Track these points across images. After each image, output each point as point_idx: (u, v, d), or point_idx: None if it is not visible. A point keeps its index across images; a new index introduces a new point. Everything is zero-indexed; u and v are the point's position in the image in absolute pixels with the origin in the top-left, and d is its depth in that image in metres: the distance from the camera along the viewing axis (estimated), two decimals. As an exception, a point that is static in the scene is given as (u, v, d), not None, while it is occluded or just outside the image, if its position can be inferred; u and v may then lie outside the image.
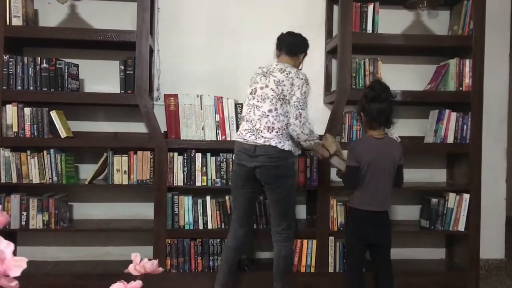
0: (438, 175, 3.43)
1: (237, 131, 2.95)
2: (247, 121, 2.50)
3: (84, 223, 3.11)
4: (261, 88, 2.48)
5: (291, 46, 2.58)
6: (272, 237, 2.54)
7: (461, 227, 3.10)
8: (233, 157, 2.59)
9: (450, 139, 3.11)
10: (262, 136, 2.42)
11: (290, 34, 2.64)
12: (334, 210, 3.05)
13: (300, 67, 2.63)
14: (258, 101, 2.47)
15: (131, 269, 1.03)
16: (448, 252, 3.43)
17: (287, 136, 2.46)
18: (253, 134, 2.45)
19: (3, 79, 2.84)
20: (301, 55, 2.63)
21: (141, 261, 1.06)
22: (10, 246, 0.63)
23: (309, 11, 3.33)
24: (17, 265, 0.64)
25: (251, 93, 2.53)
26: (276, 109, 2.43)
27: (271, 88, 2.45)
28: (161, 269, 1.08)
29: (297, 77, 2.45)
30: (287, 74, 2.46)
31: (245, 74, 3.26)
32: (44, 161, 2.89)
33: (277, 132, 2.42)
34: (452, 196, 3.11)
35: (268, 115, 2.43)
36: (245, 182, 2.50)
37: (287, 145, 2.44)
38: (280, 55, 2.60)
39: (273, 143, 2.40)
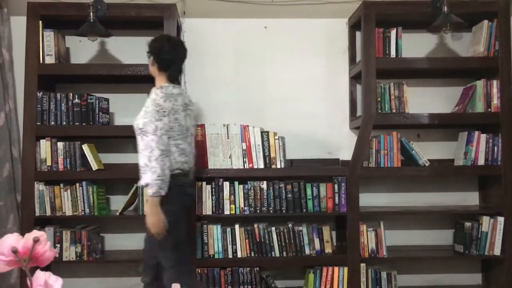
0: (470, 198, 3.36)
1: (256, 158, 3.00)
2: (189, 162, 2.52)
3: (116, 254, 3.15)
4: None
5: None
6: None
7: (497, 251, 3.02)
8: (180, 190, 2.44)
9: (481, 161, 3.06)
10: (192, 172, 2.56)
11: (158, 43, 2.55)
12: (364, 236, 3.01)
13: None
14: (191, 136, 2.56)
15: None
16: (484, 278, 3.32)
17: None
18: (193, 172, 2.56)
19: (37, 115, 2.94)
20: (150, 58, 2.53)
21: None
22: (59, 281, 0.66)
23: (332, 38, 3.37)
24: (64, 299, 0.67)
25: (188, 130, 2.50)
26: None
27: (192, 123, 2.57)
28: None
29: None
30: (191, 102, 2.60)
31: (270, 102, 3.32)
32: (77, 193, 2.95)
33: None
34: (486, 220, 3.04)
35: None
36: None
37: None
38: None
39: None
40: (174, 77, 2.53)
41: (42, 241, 0.65)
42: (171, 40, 2.57)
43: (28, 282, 0.64)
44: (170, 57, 2.48)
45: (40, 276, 0.65)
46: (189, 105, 2.56)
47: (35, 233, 0.65)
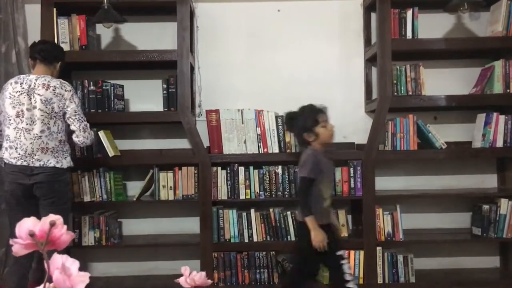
0: (489, 181, 3.31)
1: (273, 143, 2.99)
2: (15, 148, 2.43)
3: (133, 239, 3.20)
4: (28, 109, 2.43)
5: (45, 52, 2.53)
6: None
7: (516, 233, 2.99)
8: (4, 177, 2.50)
9: (500, 143, 3.01)
10: (37, 160, 2.43)
11: (42, 41, 2.64)
12: (380, 219, 3.00)
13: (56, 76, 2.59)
14: (27, 124, 2.43)
15: (182, 281, 1.06)
16: (502, 260, 3.29)
17: (63, 152, 2.50)
18: (26, 161, 2.42)
19: (53, 103, 2.97)
20: (57, 63, 2.59)
21: (190, 274, 1.09)
22: (76, 263, 0.67)
23: (346, 20, 3.32)
24: (81, 280, 0.67)
25: (18, 116, 2.43)
26: (49, 128, 2.45)
27: (40, 109, 2.43)
28: (210, 281, 1.11)
29: (65, 90, 2.48)
30: (53, 90, 2.45)
31: (284, 86, 3.30)
32: (94, 180, 2.99)
33: (52, 152, 2.45)
34: (504, 202, 3.00)
35: (41, 136, 2.43)
36: (23, 199, 2.45)
37: (65, 163, 2.50)
38: (34, 64, 2.55)
39: (50, 165, 2.43)
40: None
41: (58, 225, 0.66)
42: None
43: (46, 265, 0.66)
44: None
45: (57, 259, 0.66)
46: (32, 88, 2.45)
47: (52, 217, 0.66)
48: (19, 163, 2.43)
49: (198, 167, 3.00)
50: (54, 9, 2.96)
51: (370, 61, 3.28)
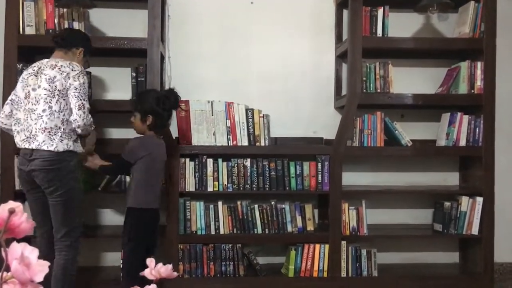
0: (451, 179, 3.41)
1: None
2: (24, 130, 2.37)
3: (99, 229, 3.14)
4: (34, 89, 2.38)
5: (64, 38, 2.51)
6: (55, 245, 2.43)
7: (475, 230, 3.08)
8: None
9: (463, 142, 3.10)
10: (36, 141, 2.33)
11: (67, 29, 2.72)
12: (346, 214, 3.05)
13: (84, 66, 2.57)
14: (33, 104, 2.37)
15: (147, 273, 1.05)
16: (461, 256, 3.40)
17: (63, 134, 2.36)
18: (28, 142, 2.34)
19: (17, 88, 2.87)
20: (78, 50, 2.53)
21: (156, 265, 1.07)
22: (35, 251, 0.64)
23: (319, 15, 3.34)
24: (40, 270, 0.65)
25: (26, 97, 2.40)
26: (50, 107, 2.35)
27: (44, 88, 2.36)
28: (175, 273, 1.09)
29: (72, 70, 2.40)
30: (59, 69, 2.38)
31: (255, 79, 3.30)
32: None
33: (49, 133, 2.33)
34: (465, 200, 3.09)
35: (42, 116, 2.34)
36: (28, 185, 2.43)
37: (60, 146, 2.34)
38: (54, 50, 2.53)
39: (44, 147, 2.31)
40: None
41: (18, 212, 0.63)
42: None
43: (3, 253, 0.63)
44: None
45: (16, 248, 0.63)
46: (40, 69, 2.42)
47: (11, 204, 0.63)
48: (23, 145, 2.37)
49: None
50: (20, -9, 2.86)
51: (340, 57, 3.31)
